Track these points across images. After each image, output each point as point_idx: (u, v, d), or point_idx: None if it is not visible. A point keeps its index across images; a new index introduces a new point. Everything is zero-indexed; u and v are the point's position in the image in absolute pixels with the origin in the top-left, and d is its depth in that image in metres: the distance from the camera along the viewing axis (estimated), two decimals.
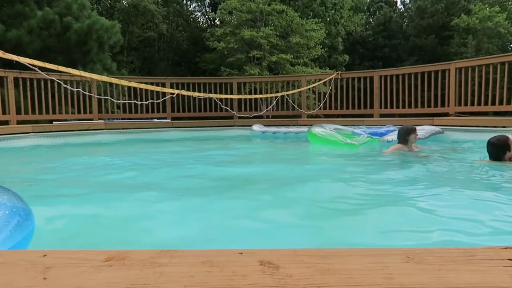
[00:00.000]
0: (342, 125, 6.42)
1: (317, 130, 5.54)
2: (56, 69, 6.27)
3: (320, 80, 9.77)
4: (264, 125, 8.19)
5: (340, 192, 2.77)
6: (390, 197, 2.69)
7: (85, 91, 7.80)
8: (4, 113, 7.36)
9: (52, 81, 7.34)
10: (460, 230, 1.87)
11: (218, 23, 22.57)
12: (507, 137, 3.62)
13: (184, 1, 24.94)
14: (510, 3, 27.31)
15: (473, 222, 1.99)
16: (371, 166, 4.18)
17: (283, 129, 7.78)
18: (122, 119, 9.13)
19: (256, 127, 7.96)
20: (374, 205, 2.42)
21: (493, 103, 7.07)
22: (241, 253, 0.70)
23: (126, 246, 1.75)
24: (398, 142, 4.75)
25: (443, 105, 7.97)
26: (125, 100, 8.77)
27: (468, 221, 2.01)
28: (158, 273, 0.62)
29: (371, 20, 30.30)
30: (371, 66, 24.49)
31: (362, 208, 2.35)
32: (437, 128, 6.24)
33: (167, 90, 8.37)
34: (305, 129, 6.46)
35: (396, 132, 5.07)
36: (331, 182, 3.26)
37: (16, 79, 7.46)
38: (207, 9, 25.74)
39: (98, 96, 8.46)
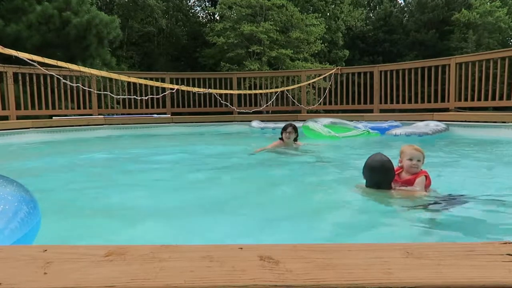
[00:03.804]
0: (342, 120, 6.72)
1: (310, 124, 6.19)
2: (55, 64, 6.26)
3: (320, 75, 9.75)
4: (262, 121, 8.20)
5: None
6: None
7: (84, 87, 7.78)
8: (3, 108, 7.34)
9: (52, 76, 7.32)
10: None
11: (217, 18, 22.49)
12: (388, 159, 2.36)
13: None
14: None
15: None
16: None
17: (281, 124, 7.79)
18: (122, 114, 9.12)
19: (255, 123, 7.97)
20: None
21: (493, 98, 7.06)
22: (241, 248, 0.70)
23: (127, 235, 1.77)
24: (279, 139, 4.90)
25: (443, 100, 7.95)
26: (124, 95, 8.75)
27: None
28: (159, 268, 0.62)
29: (372, 15, 30.18)
30: (371, 61, 24.40)
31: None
32: (442, 125, 6.19)
33: (167, 85, 8.36)
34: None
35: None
36: None
37: (15, 74, 7.43)
38: (207, 3, 25.63)
39: (98, 92, 8.44)
